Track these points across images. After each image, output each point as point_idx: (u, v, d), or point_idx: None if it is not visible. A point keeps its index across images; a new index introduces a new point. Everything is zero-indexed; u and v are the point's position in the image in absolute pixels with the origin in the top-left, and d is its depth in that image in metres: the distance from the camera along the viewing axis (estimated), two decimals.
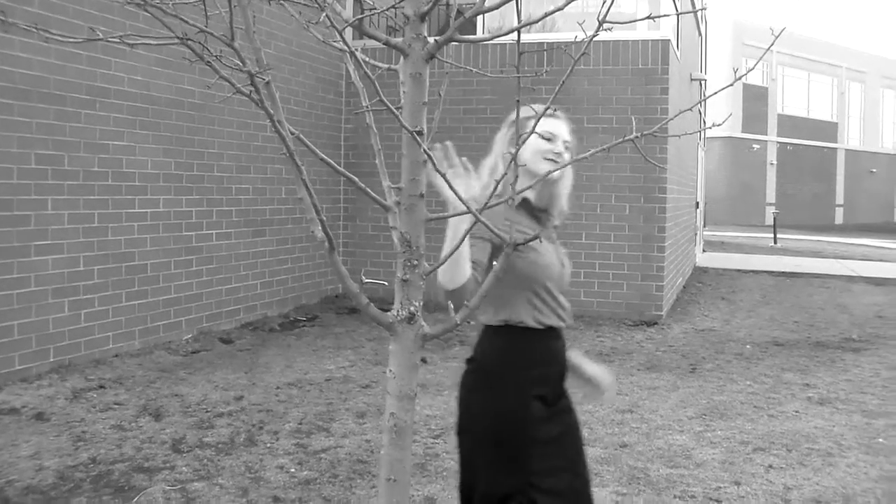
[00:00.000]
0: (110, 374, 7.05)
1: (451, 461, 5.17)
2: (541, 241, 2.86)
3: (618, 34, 10.36)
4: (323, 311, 10.52)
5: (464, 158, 2.67)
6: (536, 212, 3.00)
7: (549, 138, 2.93)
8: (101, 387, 6.67)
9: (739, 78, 2.79)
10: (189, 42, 2.04)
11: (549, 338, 2.86)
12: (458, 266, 2.52)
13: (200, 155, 8.76)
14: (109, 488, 4.64)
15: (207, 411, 6.13)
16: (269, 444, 5.44)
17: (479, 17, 11.20)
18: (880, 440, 5.80)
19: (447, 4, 10.12)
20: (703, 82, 16.57)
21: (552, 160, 2.90)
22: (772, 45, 2.52)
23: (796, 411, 6.46)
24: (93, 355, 7.44)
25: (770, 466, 5.20)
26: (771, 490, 4.82)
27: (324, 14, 2.05)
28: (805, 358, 8.46)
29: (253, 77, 1.85)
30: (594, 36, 2.02)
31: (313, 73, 10.82)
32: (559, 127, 2.97)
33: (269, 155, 9.80)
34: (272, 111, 1.96)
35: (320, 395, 6.69)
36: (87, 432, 5.56)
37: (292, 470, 4.99)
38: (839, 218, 48.27)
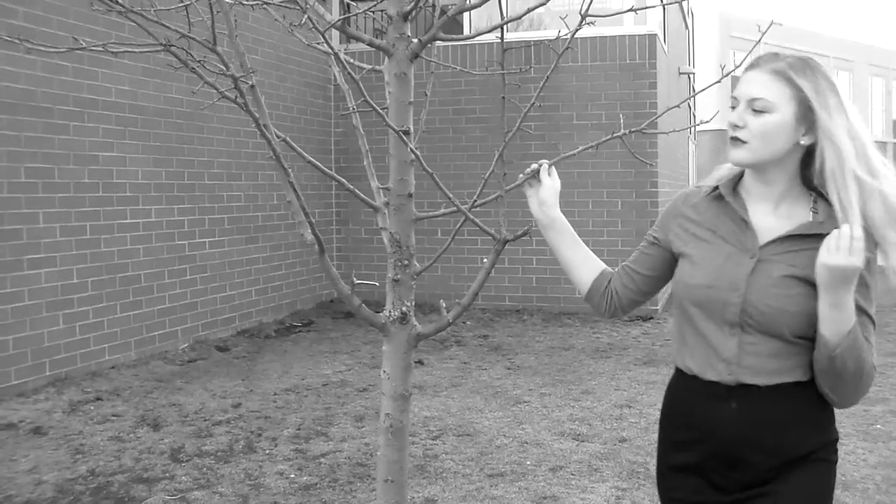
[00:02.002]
0: (107, 385, 7.03)
1: (450, 462, 5.17)
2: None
3: (604, 29, 10.37)
4: (318, 316, 10.51)
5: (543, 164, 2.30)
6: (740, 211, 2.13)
7: (733, 106, 2.13)
8: (98, 399, 6.65)
9: (726, 75, 2.79)
10: (172, 48, 2.04)
11: (705, 394, 2.11)
12: (570, 273, 2.42)
13: (191, 163, 8.75)
14: (109, 500, 4.63)
15: (205, 420, 6.12)
16: (268, 451, 5.43)
17: (466, 17, 11.20)
18: (878, 426, 5.81)
19: (433, 5, 10.16)
20: (691, 76, 16.59)
21: (735, 139, 2.09)
22: (759, 40, 2.53)
23: None
24: (89, 367, 7.43)
25: None
26: None
27: (305, 16, 2.05)
28: None
29: (237, 81, 1.85)
30: (577, 30, 2.03)
31: (301, 77, 10.81)
32: (748, 80, 2.09)
33: (259, 161, 9.79)
34: (257, 115, 1.96)
35: (318, 399, 6.68)
36: (86, 445, 5.54)
37: (292, 476, 4.99)
38: None
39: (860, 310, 1.96)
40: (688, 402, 2.17)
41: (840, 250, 1.86)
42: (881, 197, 1.94)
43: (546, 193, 2.27)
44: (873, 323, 2.01)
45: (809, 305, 1.96)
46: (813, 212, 2.05)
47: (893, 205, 1.95)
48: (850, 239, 1.86)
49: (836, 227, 1.90)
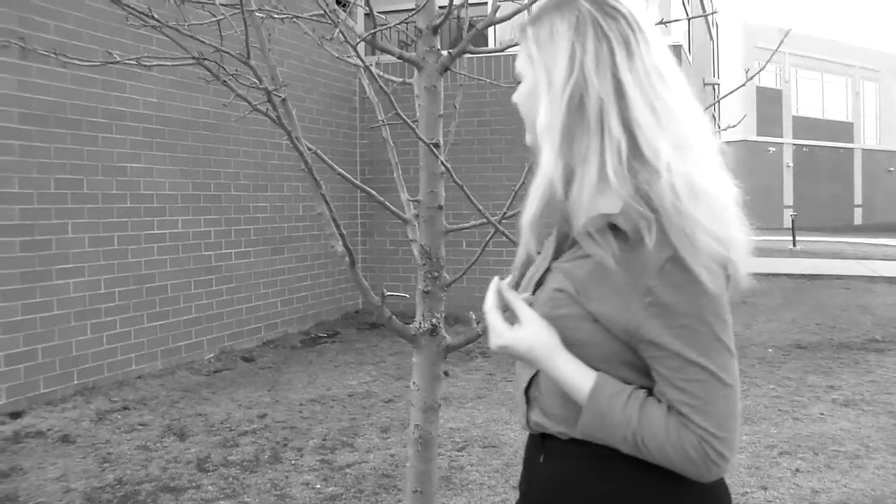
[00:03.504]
0: (134, 395, 7.08)
1: (475, 474, 5.16)
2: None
3: None
4: (343, 326, 10.54)
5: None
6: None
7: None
8: (126, 408, 6.70)
9: (751, 78, 2.79)
10: (205, 62, 2.06)
11: (530, 442, 1.67)
12: None
13: (217, 175, 8.81)
14: None
15: (231, 430, 6.14)
16: (293, 461, 5.44)
17: (490, 30, 11.23)
18: None
19: (458, 17, 10.18)
20: (716, 87, 16.53)
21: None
22: (780, 44, 2.52)
23: (821, 414, 6.41)
24: (116, 377, 7.48)
25: (797, 470, 5.16)
26: (799, 494, 4.78)
27: (337, 30, 2.07)
28: (828, 360, 8.40)
29: (270, 94, 1.87)
30: None
31: (327, 90, 10.87)
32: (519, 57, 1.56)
33: (285, 173, 9.84)
34: (290, 128, 1.97)
35: (343, 410, 6.69)
36: (113, 453, 5.58)
37: (318, 486, 4.99)
38: (858, 218, 47.98)
39: (674, 355, 1.35)
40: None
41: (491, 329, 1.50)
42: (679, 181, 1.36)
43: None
44: (704, 368, 1.34)
45: (581, 332, 1.43)
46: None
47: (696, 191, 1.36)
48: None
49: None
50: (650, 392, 1.40)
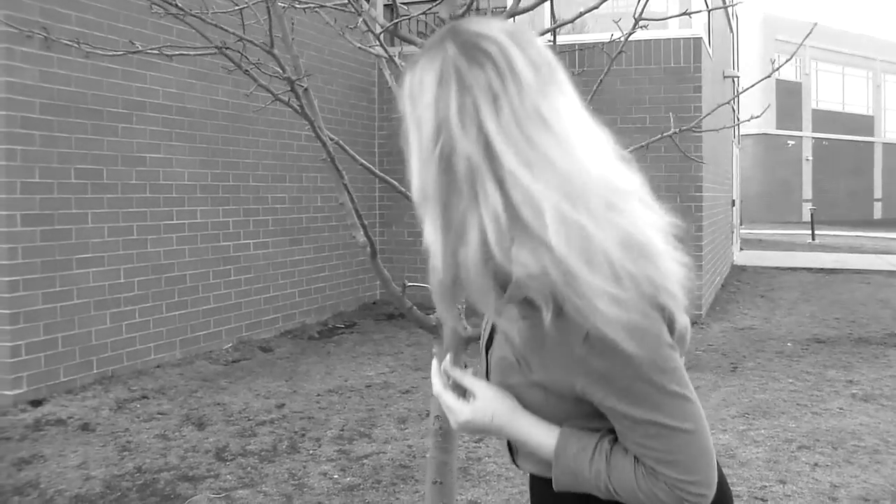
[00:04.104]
0: (153, 384, 7.12)
1: (493, 465, 5.17)
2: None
3: (649, 33, 10.31)
4: (361, 317, 10.55)
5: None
6: None
7: None
8: (144, 397, 6.73)
9: (773, 72, 2.77)
10: (227, 51, 2.06)
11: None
12: None
13: (236, 165, 8.83)
14: (155, 497, 4.69)
15: (249, 419, 6.17)
16: (311, 451, 5.46)
17: (511, 20, 11.18)
18: None
19: (477, 8, 10.16)
20: (735, 80, 16.44)
21: None
22: (804, 40, 2.50)
23: (840, 408, 6.38)
24: (135, 366, 7.52)
25: (816, 464, 5.14)
26: (817, 488, 4.76)
27: (360, 20, 2.07)
28: (847, 354, 8.36)
29: (293, 84, 1.87)
30: (631, 33, 2.02)
31: (346, 80, 10.87)
32: None
33: (304, 164, 9.86)
34: (312, 118, 1.97)
35: (361, 401, 6.71)
36: (132, 442, 5.61)
37: (335, 476, 5.01)
38: (878, 212, 47.66)
39: (623, 416, 1.29)
40: None
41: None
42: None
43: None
44: (656, 423, 1.29)
45: (534, 398, 1.39)
46: None
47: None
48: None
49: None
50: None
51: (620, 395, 1.27)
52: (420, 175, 1.29)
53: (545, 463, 1.42)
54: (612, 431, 1.36)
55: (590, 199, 1.21)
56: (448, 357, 1.52)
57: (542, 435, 1.39)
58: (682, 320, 1.39)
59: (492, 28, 1.27)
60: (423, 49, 1.31)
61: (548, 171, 1.20)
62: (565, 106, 1.26)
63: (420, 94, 1.28)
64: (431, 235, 1.28)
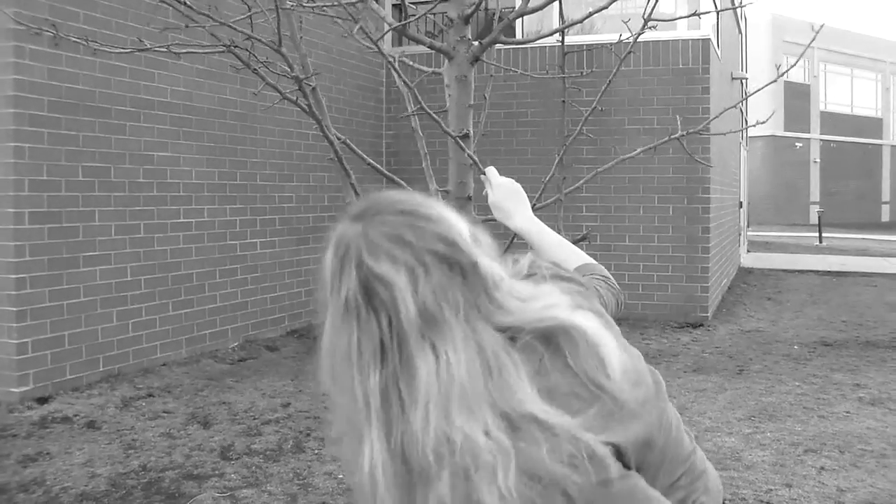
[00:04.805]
0: (158, 382, 7.12)
1: None
2: None
3: (658, 34, 10.29)
4: None
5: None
6: None
7: None
8: (150, 395, 6.74)
9: (780, 76, 2.75)
10: (236, 49, 2.06)
11: None
12: None
13: (243, 164, 8.84)
14: (160, 495, 4.69)
15: (255, 419, 6.17)
16: (316, 451, 5.46)
17: (519, 21, 11.18)
18: None
19: (486, 9, 10.16)
20: (744, 81, 16.40)
21: None
22: (812, 41, 2.49)
23: (847, 412, 6.36)
24: (141, 364, 7.53)
25: (822, 468, 5.12)
26: (824, 492, 4.75)
27: (359, 25, 2.06)
28: (854, 358, 8.33)
29: (301, 83, 1.87)
30: (640, 33, 2.01)
31: (353, 80, 10.87)
32: None
33: (311, 163, 9.86)
34: (320, 117, 1.97)
35: None
36: (138, 440, 5.62)
37: (340, 476, 5.00)
38: (885, 215, 47.51)
39: None
40: None
41: None
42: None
43: (495, 197, 2.04)
44: None
45: None
46: None
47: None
48: None
49: None
50: None
51: None
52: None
53: None
54: None
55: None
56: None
57: None
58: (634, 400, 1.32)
59: (393, 254, 1.27)
60: (334, 245, 1.38)
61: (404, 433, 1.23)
62: (439, 358, 1.24)
63: (332, 309, 1.34)
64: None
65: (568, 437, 1.19)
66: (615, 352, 1.32)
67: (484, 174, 1.86)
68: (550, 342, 1.30)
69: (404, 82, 2.20)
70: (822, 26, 2.58)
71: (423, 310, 1.24)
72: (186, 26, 1.89)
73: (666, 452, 1.41)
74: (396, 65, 2.22)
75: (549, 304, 1.35)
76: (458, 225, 1.33)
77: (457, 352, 1.23)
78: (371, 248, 1.29)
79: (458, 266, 1.28)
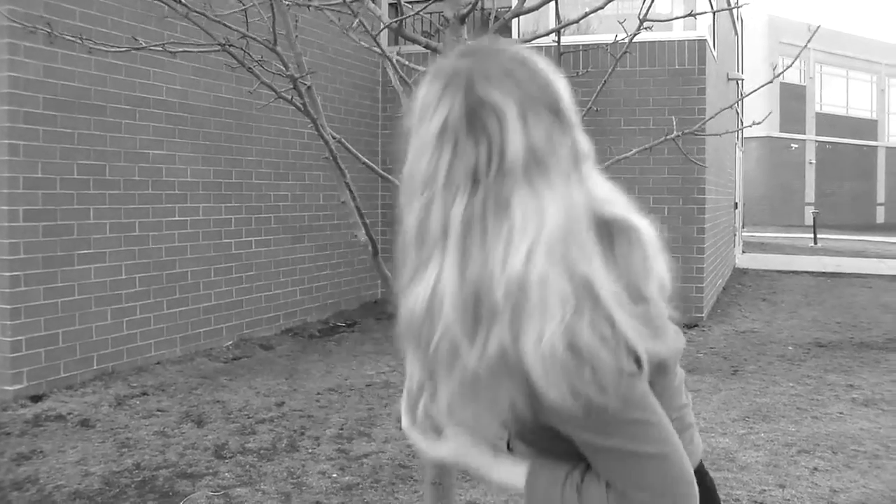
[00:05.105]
0: (152, 381, 7.11)
1: None
2: None
3: (654, 35, 10.29)
4: (362, 316, 10.55)
5: None
6: None
7: None
8: (144, 394, 6.73)
9: (775, 77, 2.76)
10: (231, 48, 2.06)
11: None
12: None
13: (239, 162, 8.83)
14: (154, 494, 4.68)
15: (249, 417, 6.16)
16: (310, 450, 5.46)
17: (514, 22, 11.17)
18: None
19: (482, 8, 10.15)
20: (739, 82, 16.42)
21: None
22: (807, 43, 2.49)
23: (841, 413, 6.37)
24: (135, 362, 7.52)
25: (815, 469, 5.13)
26: (817, 493, 4.75)
27: (357, 20, 2.06)
28: (848, 359, 8.35)
29: (296, 81, 1.86)
30: (636, 34, 2.01)
31: (349, 79, 10.86)
32: None
33: (306, 162, 9.85)
34: (315, 116, 1.97)
35: (361, 400, 6.70)
36: (131, 439, 5.61)
37: (334, 475, 5.00)
38: (881, 217, 47.60)
39: (583, 443, 1.27)
40: None
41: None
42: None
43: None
44: (617, 450, 1.25)
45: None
46: None
47: None
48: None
49: None
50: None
51: (577, 424, 1.25)
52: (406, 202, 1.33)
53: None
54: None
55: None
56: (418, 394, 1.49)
57: (511, 473, 1.39)
58: (668, 336, 1.34)
59: (504, 86, 1.26)
60: (437, 74, 1.31)
61: (476, 265, 1.22)
62: (538, 200, 1.24)
63: (422, 132, 1.30)
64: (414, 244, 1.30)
65: (609, 320, 1.21)
66: (664, 271, 1.33)
67: None
68: (605, 235, 1.31)
69: (402, 79, 2.20)
70: (818, 28, 2.58)
71: (530, 149, 1.23)
72: (186, 16, 1.89)
73: (666, 389, 1.42)
74: (394, 60, 2.22)
75: (619, 200, 1.39)
76: (564, 85, 1.33)
77: (554, 200, 1.23)
78: (483, 77, 1.27)
79: (563, 121, 1.29)
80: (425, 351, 1.29)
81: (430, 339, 1.26)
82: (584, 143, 1.33)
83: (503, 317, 1.19)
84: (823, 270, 16.57)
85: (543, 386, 1.18)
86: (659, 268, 1.36)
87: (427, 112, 1.30)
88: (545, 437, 1.34)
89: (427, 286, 1.25)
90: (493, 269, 1.20)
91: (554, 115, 1.27)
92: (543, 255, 1.20)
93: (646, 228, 1.35)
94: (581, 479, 1.31)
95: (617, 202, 1.38)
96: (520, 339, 1.18)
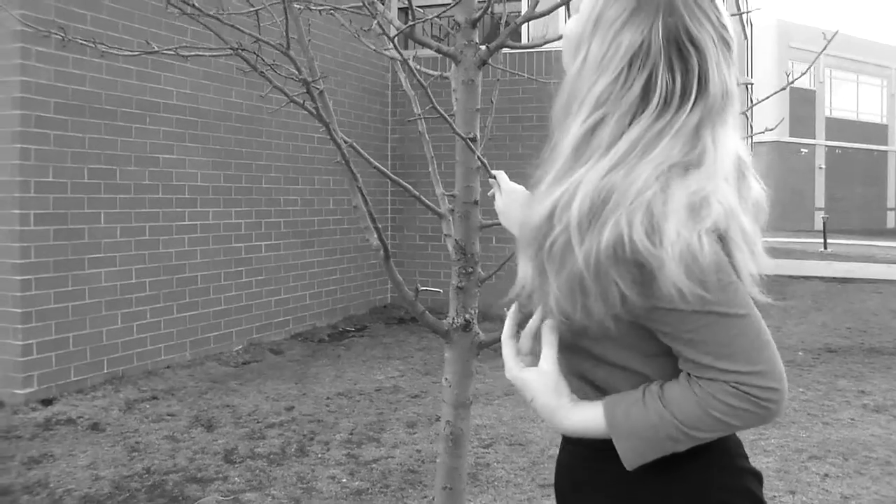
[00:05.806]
0: (162, 385, 7.12)
1: (502, 471, 5.15)
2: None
3: None
4: (372, 321, 10.55)
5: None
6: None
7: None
8: (154, 398, 6.74)
9: (791, 82, 2.74)
10: (243, 52, 2.06)
11: None
12: None
13: (248, 167, 8.84)
14: (163, 498, 4.68)
15: (259, 422, 6.17)
16: (320, 455, 5.45)
17: (524, 26, 11.18)
18: None
19: (492, 13, 10.16)
20: (749, 87, 16.39)
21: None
22: (823, 50, 2.48)
23: (852, 419, 6.34)
24: (145, 367, 7.53)
25: (826, 475, 5.11)
26: (828, 499, 4.73)
27: (375, 21, 2.06)
28: (859, 364, 8.31)
29: (308, 85, 1.86)
30: None
31: (359, 83, 10.88)
32: None
33: (316, 166, 9.86)
34: (327, 120, 1.97)
35: (370, 405, 6.70)
36: (141, 443, 5.61)
37: (344, 480, 5.00)
38: (891, 222, 47.43)
39: (669, 311, 1.27)
40: None
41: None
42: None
43: (503, 202, 1.94)
44: (704, 313, 1.25)
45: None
46: None
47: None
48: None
49: None
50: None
51: (683, 301, 1.25)
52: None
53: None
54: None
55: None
56: (536, 317, 1.49)
57: (586, 418, 1.38)
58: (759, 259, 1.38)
59: (700, 20, 1.32)
60: None
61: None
62: (725, 136, 1.35)
63: (605, 49, 1.34)
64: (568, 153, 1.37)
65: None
66: (749, 266, 1.34)
67: (493, 177, 1.84)
68: (740, 173, 1.41)
69: (419, 82, 2.20)
70: (835, 33, 2.57)
71: (725, 88, 1.33)
72: (198, 19, 1.89)
73: None
74: (410, 64, 2.22)
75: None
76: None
77: (732, 138, 1.35)
78: (682, 5, 1.32)
79: (733, 61, 1.38)
80: (540, 250, 1.31)
81: (548, 238, 1.29)
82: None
83: (628, 210, 1.22)
84: (834, 276, 16.51)
85: (673, 270, 1.20)
86: (763, 205, 1.44)
87: (611, 28, 1.33)
88: (631, 337, 1.34)
89: (563, 189, 1.30)
90: (642, 173, 1.25)
91: (731, 55, 1.36)
92: (707, 180, 1.26)
93: (749, 223, 1.38)
94: (660, 387, 1.32)
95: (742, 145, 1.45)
96: (651, 236, 1.21)
